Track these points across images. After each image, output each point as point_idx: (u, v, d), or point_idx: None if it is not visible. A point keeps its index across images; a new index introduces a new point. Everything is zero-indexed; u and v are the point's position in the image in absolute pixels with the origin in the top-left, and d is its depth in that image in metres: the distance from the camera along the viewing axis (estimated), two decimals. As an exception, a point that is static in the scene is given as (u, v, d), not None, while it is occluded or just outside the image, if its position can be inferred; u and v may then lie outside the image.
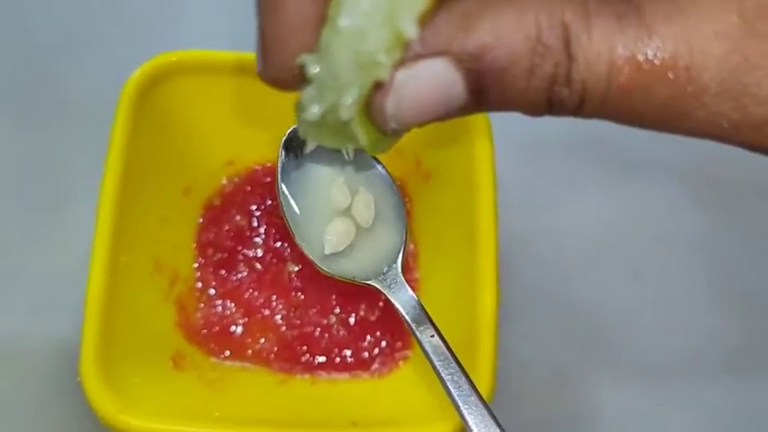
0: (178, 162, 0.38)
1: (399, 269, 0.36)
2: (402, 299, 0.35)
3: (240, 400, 0.36)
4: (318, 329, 0.38)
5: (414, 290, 0.39)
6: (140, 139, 0.35)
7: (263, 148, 0.39)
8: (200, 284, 0.38)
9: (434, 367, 0.32)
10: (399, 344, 0.38)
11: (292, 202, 0.37)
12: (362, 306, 0.39)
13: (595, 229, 0.42)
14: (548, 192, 0.43)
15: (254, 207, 0.40)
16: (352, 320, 0.38)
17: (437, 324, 0.38)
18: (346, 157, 0.29)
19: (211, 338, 0.37)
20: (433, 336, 0.33)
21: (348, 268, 0.36)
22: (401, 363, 0.38)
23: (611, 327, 0.40)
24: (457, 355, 0.34)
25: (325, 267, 0.36)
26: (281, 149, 0.37)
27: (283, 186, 0.37)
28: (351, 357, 0.38)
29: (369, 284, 0.36)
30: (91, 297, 0.32)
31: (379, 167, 0.37)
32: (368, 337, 0.38)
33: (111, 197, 0.34)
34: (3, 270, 0.39)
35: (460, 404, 0.31)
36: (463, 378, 0.31)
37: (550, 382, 0.39)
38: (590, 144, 0.44)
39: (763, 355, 0.40)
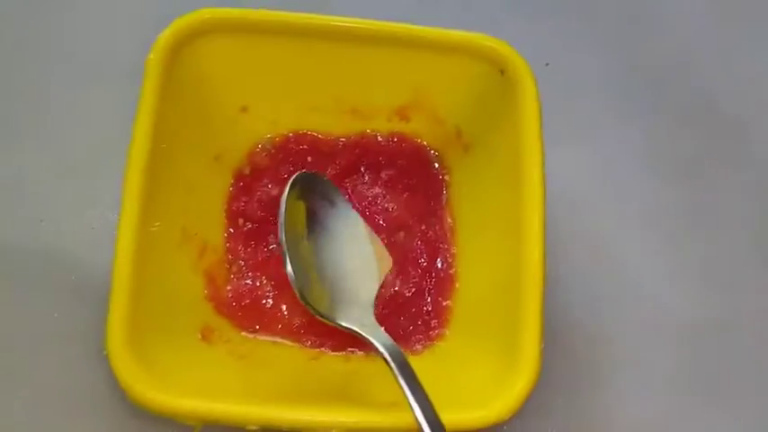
0: (208, 127, 0.37)
1: (371, 312, 0.35)
2: (381, 339, 0.33)
3: (271, 376, 0.35)
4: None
5: (450, 265, 0.38)
6: (170, 101, 0.34)
7: (296, 115, 0.38)
8: (229, 255, 0.37)
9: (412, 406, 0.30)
10: (435, 322, 0.37)
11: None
12: (398, 281, 0.37)
13: (636, 204, 0.43)
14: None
15: (285, 176, 0.38)
16: (387, 297, 0.37)
17: (478, 297, 0.36)
18: None
19: (241, 312, 0.36)
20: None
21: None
22: (437, 341, 0.37)
23: (649, 293, 0.41)
24: (500, 332, 0.33)
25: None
26: (287, 186, 0.36)
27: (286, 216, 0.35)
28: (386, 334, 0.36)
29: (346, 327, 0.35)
30: (118, 267, 0.31)
31: (360, 221, 0.38)
32: (403, 313, 0.37)
33: (140, 162, 0.32)
34: (25, 235, 0.38)
35: None
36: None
37: (588, 352, 0.39)
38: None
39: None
